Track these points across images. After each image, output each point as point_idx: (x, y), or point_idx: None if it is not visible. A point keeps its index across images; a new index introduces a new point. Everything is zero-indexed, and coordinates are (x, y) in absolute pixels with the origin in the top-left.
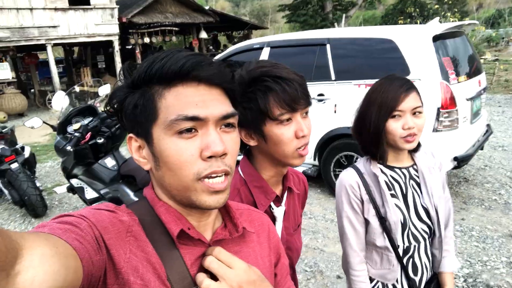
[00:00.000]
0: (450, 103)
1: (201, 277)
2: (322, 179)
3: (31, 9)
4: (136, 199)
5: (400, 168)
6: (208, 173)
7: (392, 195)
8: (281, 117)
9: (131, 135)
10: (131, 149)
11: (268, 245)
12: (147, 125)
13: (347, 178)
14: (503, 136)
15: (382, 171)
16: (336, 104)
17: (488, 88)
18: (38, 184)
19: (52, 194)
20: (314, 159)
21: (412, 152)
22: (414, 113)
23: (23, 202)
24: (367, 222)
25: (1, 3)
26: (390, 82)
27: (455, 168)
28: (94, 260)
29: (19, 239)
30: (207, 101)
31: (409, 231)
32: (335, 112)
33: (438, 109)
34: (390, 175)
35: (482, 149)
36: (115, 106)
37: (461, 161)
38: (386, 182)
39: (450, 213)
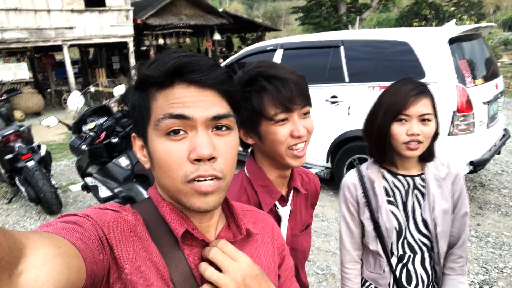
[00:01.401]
0: (466, 106)
1: (204, 265)
2: (335, 182)
3: (48, 10)
4: None
5: (404, 176)
6: (195, 176)
7: (390, 202)
8: (276, 117)
9: (134, 134)
10: (135, 147)
11: (272, 246)
12: (143, 125)
13: (346, 179)
14: None
15: (384, 176)
16: (349, 106)
17: (506, 91)
18: (53, 182)
19: (67, 192)
20: (327, 162)
21: (424, 161)
22: (423, 120)
23: (39, 199)
24: (363, 224)
25: (19, 5)
26: (402, 84)
27: (471, 172)
28: (97, 260)
29: (23, 239)
30: (197, 102)
31: (405, 240)
32: (348, 114)
33: (454, 112)
34: (392, 181)
35: (499, 153)
36: (127, 106)
37: (477, 166)
38: (385, 188)
39: (463, 230)
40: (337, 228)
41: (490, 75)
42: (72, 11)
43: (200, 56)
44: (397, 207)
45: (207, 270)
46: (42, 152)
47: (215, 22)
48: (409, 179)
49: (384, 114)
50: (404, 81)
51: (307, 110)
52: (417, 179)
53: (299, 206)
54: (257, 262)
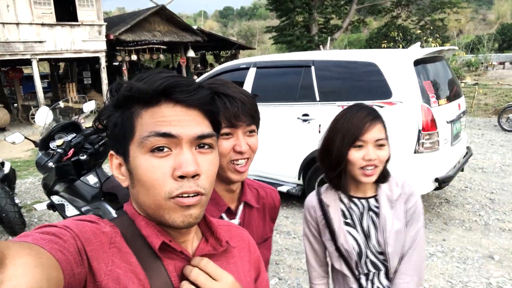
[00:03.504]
0: (431, 125)
1: (187, 285)
2: None
3: (17, 23)
4: None
5: (359, 198)
6: (179, 193)
7: (348, 224)
8: (220, 131)
9: (112, 152)
10: (112, 166)
11: (248, 260)
12: (125, 143)
13: (307, 201)
14: (483, 158)
15: (340, 199)
16: (320, 124)
17: (468, 111)
18: (17, 201)
19: (32, 211)
20: (299, 179)
21: (378, 183)
22: (378, 145)
23: (1, 219)
24: (326, 247)
25: None
26: (356, 111)
27: (436, 189)
28: (75, 272)
29: (4, 249)
30: (183, 121)
31: (368, 259)
32: (319, 132)
33: (419, 131)
34: (348, 203)
35: (462, 170)
36: (103, 123)
37: (442, 182)
38: (342, 210)
39: (410, 247)
40: None
41: (453, 95)
42: (43, 24)
43: (186, 78)
44: (355, 228)
45: None
46: (6, 169)
47: (189, 39)
48: (363, 201)
49: (341, 140)
50: (357, 107)
51: (252, 129)
52: (371, 201)
53: (253, 220)
54: (236, 277)
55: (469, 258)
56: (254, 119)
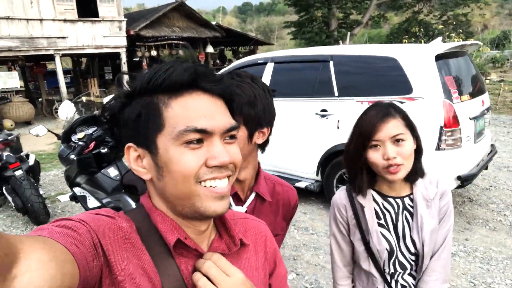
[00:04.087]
0: (453, 121)
1: (198, 275)
2: (325, 195)
3: (41, 20)
4: None
5: (394, 198)
6: (210, 177)
7: (381, 224)
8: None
9: (130, 144)
10: (129, 158)
11: (264, 255)
12: (151, 134)
13: (337, 199)
14: (508, 157)
15: (374, 199)
16: (339, 120)
17: (494, 108)
18: (41, 192)
19: (55, 202)
20: (317, 175)
21: (410, 180)
22: (396, 141)
23: (26, 209)
24: (353, 243)
25: (11, 14)
26: (367, 110)
27: (458, 187)
28: (90, 266)
29: (17, 243)
30: (214, 113)
31: (396, 260)
32: (338, 128)
33: (441, 127)
34: (382, 203)
35: (486, 169)
36: (111, 115)
37: (464, 180)
38: (376, 210)
39: (441, 244)
40: (327, 242)
41: (476, 92)
42: (65, 20)
43: (209, 68)
44: (387, 229)
45: (201, 281)
46: (31, 161)
47: (208, 35)
48: (398, 200)
49: (355, 143)
50: (371, 107)
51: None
52: (406, 200)
53: (264, 213)
54: (249, 273)
55: (493, 258)
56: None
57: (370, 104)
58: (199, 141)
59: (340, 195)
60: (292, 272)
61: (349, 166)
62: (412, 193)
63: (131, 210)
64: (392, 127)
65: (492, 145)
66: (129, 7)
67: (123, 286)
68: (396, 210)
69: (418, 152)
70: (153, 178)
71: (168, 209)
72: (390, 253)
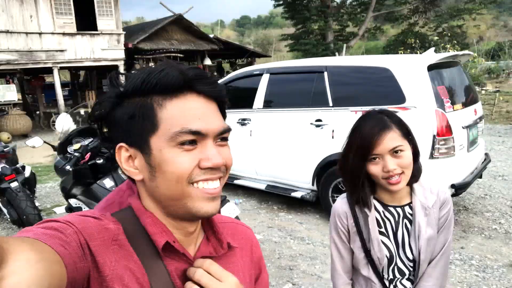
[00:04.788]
0: (446, 130)
1: (190, 285)
2: (321, 204)
3: (40, 33)
4: None
5: (394, 207)
6: (203, 178)
7: (381, 232)
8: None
9: (121, 144)
10: (120, 159)
11: (250, 260)
12: (145, 135)
13: (337, 207)
14: (503, 166)
15: (375, 207)
16: (333, 129)
17: (489, 118)
18: (37, 204)
19: (51, 214)
20: (313, 184)
21: (411, 183)
22: (395, 152)
23: (21, 221)
24: (353, 253)
25: (11, 27)
26: (365, 121)
27: (453, 195)
28: (78, 267)
29: (4, 244)
30: (208, 116)
31: (396, 266)
32: (332, 137)
33: (434, 136)
34: (383, 212)
35: (480, 177)
36: (102, 114)
37: (458, 189)
38: (377, 219)
39: (439, 251)
40: (323, 252)
41: (469, 101)
42: (64, 34)
43: (205, 71)
44: (387, 237)
45: None
46: (27, 173)
47: (205, 48)
48: (399, 209)
49: (354, 157)
50: (368, 116)
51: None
52: (407, 208)
53: None
54: (236, 277)
55: (489, 266)
56: None
57: (364, 113)
58: (193, 143)
59: (341, 204)
60: (288, 282)
61: (348, 178)
62: (411, 202)
63: (118, 212)
64: (390, 140)
65: (486, 154)
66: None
67: (111, 287)
68: (397, 219)
69: (415, 155)
70: (145, 179)
71: (158, 210)
72: (390, 259)
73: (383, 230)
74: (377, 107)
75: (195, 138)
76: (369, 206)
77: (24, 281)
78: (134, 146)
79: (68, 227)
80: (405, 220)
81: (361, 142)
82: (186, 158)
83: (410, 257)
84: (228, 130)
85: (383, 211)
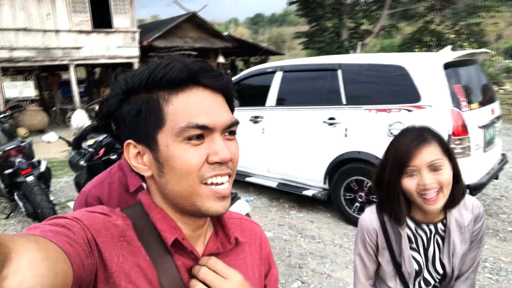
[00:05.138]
0: (461, 130)
1: (194, 282)
2: (332, 203)
3: (57, 31)
4: None
5: (427, 224)
6: (212, 175)
7: (412, 248)
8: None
9: (129, 141)
10: (128, 155)
11: (259, 256)
12: (152, 131)
13: (366, 222)
14: None
15: (407, 224)
16: (347, 128)
17: (508, 118)
18: (52, 198)
19: (65, 209)
20: (324, 183)
21: (448, 207)
22: (434, 168)
23: (36, 215)
24: (378, 261)
25: (29, 25)
26: (402, 135)
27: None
28: (85, 264)
29: (9, 243)
30: (215, 109)
31: (422, 278)
32: (345, 136)
33: (449, 136)
34: (415, 229)
35: (497, 178)
36: (109, 111)
37: (473, 190)
38: (408, 236)
39: (470, 265)
40: (333, 251)
41: (486, 100)
42: (80, 32)
43: (209, 64)
44: (418, 252)
45: (198, 286)
46: (42, 167)
47: (219, 45)
48: (431, 226)
49: (391, 169)
50: (405, 132)
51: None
52: (439, 225)
53: None
54: (245, 272)
55: (503, 269)
56: None
57: (402, 129)
58: (200, 137)
59: (371, 218)
60: (298, 280)
61: (383, 194)
62: (445, 218)
63: (128, 208)
64: (429, 153)
65: (503, 154)
66: (144, 18)
67: (118, 283)
68: (429, 236)
69: (456, 178)
70: (154, 175)
71: (168, 206)
72: (418, 272)
73: (414, 245)
74: (392, 107)
75: (202, 132)
76: (402, 224)
77: (26, 280)
78: (142, 143)
79: (76, 223)
80: (437, 236)
81: (398, 154)
82: (194, 153)
83: (440, 271)
84: (235, 123)
85: (415, 228)
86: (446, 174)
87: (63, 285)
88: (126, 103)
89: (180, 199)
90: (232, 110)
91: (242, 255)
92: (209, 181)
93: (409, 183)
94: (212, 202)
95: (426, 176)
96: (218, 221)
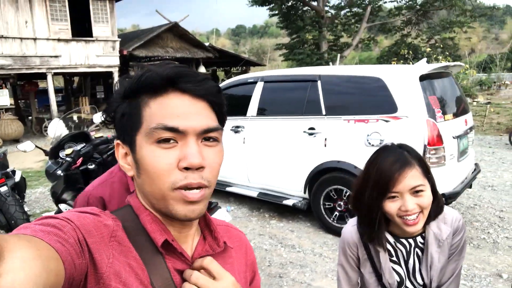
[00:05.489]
0: (436, 140)
1: (188, 286)
2: (312, 212)
3: (35, 39)
4: None
5: (406, 238)
6: (183, 184)
7: (392, 261)
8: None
9: (118, 141)
10: (118, 155)
11: (245, 262)
12: (132, 133)
13: (347, 235)
14: (493, 176)
15: (387, 239)
16: (326, 138)
17: (480, 129)
18: (26, 209)
19: None
20: (304, 192)
21: (426, 223)
22: (416, 192)
23: (10, 226)
24: (362, 274)
25: (5, 33)
26: (385, 156)
27: None
28: (76, 263)
29: (1, 241)
30: (190, 114)
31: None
32: (325, 146)
33: (425, 145)
34: (394, 243)
35: (470, 187)
36: (111, 115)
37: (448, 198)
38: (388, 250)
39: (450, 277)
40: (313, 260)
41: (460, 111)
42: (59, 40)
43: (193, 70)
44: (399, 264)
45: (193, 275)
46: (17, 178)
47: (201, 56)
48: (410, 240)
49: (371, 193)
50: (387, 151)
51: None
52: (418, 238)
53: None
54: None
55: (476, 276)
56: None
57: (379, 146)
58: (169, 141)
59: (351, 232)
60: None
61: (363, 215)
62: (424, 232)
63: (118, 210)
64: (412, 178)
65: (476, 164)
66: (124, 28)
67: (108, 284)
68: (408, 249)
69: (434, 195)
70: (134, 175)
71: (151, 207)
72: (400, 283)
73: (394, 258)
74: (370, 117)
75: (172, 136)
76: (383, 245)
77: (19, 279)
78: (126, 144)
79: (67, 223)
80: (417, 249)
81: (380, 178)
82: (163, 156)
83: (421, 282)
84: (215, 129)
85: (394, 242)
86: (427, 197)
87: (55, 283)
88: (120, 106)
89: (155, 201)
90: (220, 117)
91: (230, 260)
92: (182, 190)
93: (391, 207)
94: (181, 206)
95: (409, 202)
96: (206, 225)
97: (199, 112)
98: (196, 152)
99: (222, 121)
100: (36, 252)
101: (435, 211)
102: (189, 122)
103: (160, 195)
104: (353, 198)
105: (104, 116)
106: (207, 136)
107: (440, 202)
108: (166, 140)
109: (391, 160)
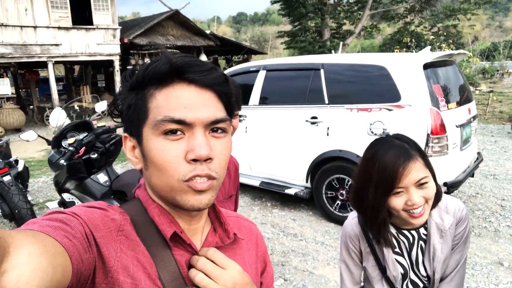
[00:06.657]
0: (440, 129)
1: (195, 272)
2: (314, 201)
3: (35, 27)
4: None
5: (409, 230)
6: (192, 175)
7: (396, 252)
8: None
9: (125, 134)
10: (125, 148)
11: (255, 253)
12: (139, 125)
13: (349, 228)
14: (495, 165)
15: (390, 231)
16: (329, 127)
17: (482, 118)
18: (29, 198)
19: (44, 209)
20: (307, 181)
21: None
22: (420, 185)
23: (13, 215)
24: (363, 267)
25: (5, 21)
26: (386, 150)
27: (445, 193)
28: (83, 258)
29: (7, 237)
30: (197, 105)
31: (409, 280)
32: (327, 135)
33: (428, 134)
34: (397, 234)
35: (472, 176)
36: (118, 108)
37: (450, 187)
38: (391, 242)
39: (454, 268)
40: (315, 248)
41: (464, 100)
42: (59, 28)
43: (200, 59)
44: (402, 255)
45: (198, 276)
46: (20, 167)
47: (202, 44)
48: (413, 232)
49: (375, 191)
50: (387, 145)
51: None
52: (421, 230)
53: None
54: (242, 268)
55: (478, 264)
56: None
57: (376, 138)
58: (176, 132)
59: (353, 226)
60: (280, 278)
61: (368, 215)
62: (426, 222)
63: (126, 203)
64: (416, 171)
65: (478, 153)
66: (124, 15)
67: (116, 278)
68: (411, 241)
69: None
70: (142, 168)
71: (159, 199)
72: (404, 275)
73: (397, 250)
74: (373, 106)
75: (179, 127)
76: (390, 243)
77: (25, 274)
78: (133, 136)
79: (74, 218)
80: (420, 242)
81: (384, 175)
82: (170, 148)
83: (424, 274)
84: (222, 120)
85: (397, 233)
86: (431, 188)
87: (62, 279)
88: (127, 98)
89: (163, 193)
90: (228, 108)
91: (240, 251)
92: (190, 181)
93: (397, 202)
94: (189, 196)
95: (415, 195)
96: (216, 217)
97: (206, 103)
98: (204, 143)
99: (230, 111)
100: (42, 247)
101: (435, 199)
102: (196, 114)
103: (168, 187)
104: (353, 198)
105: (112, 108)
106: (215, 127)
107: (438, 189)
108: (173, 132)
109: (392, 155)
